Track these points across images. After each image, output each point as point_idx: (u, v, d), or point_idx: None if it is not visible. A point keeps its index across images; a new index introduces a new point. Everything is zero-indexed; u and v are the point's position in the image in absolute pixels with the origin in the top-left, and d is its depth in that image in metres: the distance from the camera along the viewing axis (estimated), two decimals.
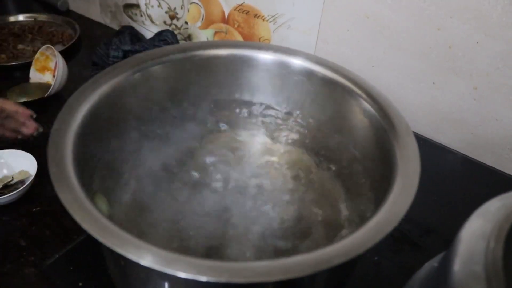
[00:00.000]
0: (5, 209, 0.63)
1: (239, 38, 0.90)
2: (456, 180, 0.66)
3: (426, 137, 0.76)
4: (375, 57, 0.76)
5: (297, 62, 0.54)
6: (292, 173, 0.55)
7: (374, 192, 0.44)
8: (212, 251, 0.47)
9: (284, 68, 0.54)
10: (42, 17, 1.12)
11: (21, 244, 0.59)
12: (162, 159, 0.53)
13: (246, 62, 0.54)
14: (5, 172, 0.67)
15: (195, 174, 0.53)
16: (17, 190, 0.61)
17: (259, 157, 0.57)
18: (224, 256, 0.46)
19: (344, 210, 0.51)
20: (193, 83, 0.54)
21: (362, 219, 0.45)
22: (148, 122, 0.52)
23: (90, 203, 0.33)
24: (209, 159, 0.55)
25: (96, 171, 0.44)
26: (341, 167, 0.53)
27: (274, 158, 0.57)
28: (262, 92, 0.57)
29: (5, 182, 0.65)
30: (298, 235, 0.49)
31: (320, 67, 0.52)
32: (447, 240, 0.31)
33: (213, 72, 0.55)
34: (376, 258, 0.53)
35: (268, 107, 0.58)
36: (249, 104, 0.58)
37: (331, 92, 0.52)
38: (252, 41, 0.56)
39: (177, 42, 0.94)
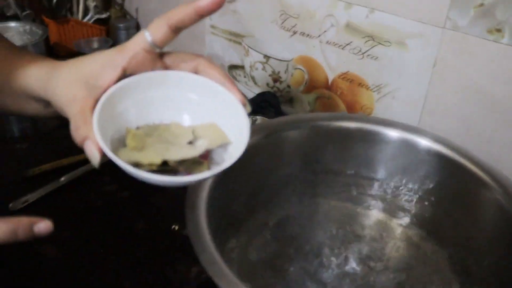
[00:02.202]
0: None
1: (342, 105, 0.92)
2: None
3: None
4: (485, 133, 0.74)
5: (424, 142, 0.54)
6: (407, 254, 0.54)
7: None
8: None
9: (410, 147, 0.55)
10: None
11: None
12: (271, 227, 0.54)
13: (372, 137, 0.55)
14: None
15: (306, 248, 0.53)
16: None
17: (373, 233, 0.56)
18: None
19: None
20: (312, 153, 0.56)
21: None
22: (266, 187, 0.54)
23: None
24: (317, 234, 0.55)
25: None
26: (463, 259, 0.51)
27: (389, 237, 0.56)
28: (382, 168, 0.57)
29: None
30: None
31: (449, 151, 0.52)
32: None
33: (337, 144, 0.56)
34: None
35: (389, 184, 0.58)
36: (369, 179, 0.59)
37: (459, 178, 0.52)
38: (380, 117, 0.57)
39: (279, 104, 0.98)
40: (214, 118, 0.44)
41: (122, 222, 0.72)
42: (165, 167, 0.39)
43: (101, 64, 0.42)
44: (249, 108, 0.43)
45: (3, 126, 0.92)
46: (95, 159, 0.38)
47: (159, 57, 0.44)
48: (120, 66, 0.42)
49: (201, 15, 0.41)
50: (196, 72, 0.44)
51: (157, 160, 0.39)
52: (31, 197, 0.74)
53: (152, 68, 0.43)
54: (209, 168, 0.41)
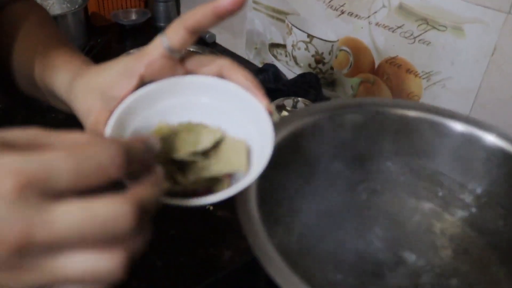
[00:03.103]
0: None
1: (387, 91, 0.88)
2: None
3: None
4: None
5: (489, 138, 0.51)
6: (458, 253, 0.51)
7: None
8: None
9: (473, 141, 0.52)
10: (190, 47, 1.19)
11: None
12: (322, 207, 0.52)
13: (433, 128, 0.52)
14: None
15: (351, 238, 0.51)
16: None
17: (421, 228, 0.54)
18: None
19: None
20: (368, 139, 0.53)
21: None
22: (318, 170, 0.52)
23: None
24: (368, 223, 0.52)
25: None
26: None
27: (439, 233, 0.53)
28: (441, 161, 0.54)
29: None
30: None
31: None
32: None
33: (394, 132, 0.53)
34: None
35: (446, 177, 0.55)
36: (424, 170, 0.56)
37: None
38: (444, 108, 0.54)
39: (320, 86, 0.95)
40: (237, 126, 0.40)
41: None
42: (175, 187, 0.37)
43: (117, 73, 0.40)
44: (275, 116, 0.39)
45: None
46: None
47: (179, 61, 0.41)
48: (137, 75, 0.39)
49: (220, 17, 0.37)
50: (219, 76, 0.41)
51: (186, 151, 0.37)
52: None
53: (172, 74, 0.40)
54: (228, 184, 0.38)
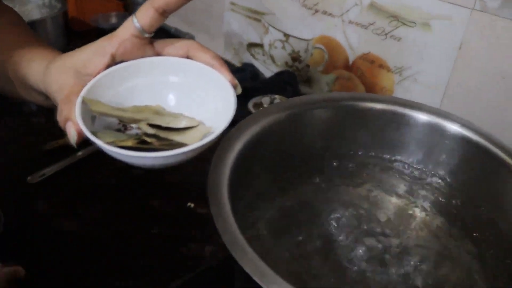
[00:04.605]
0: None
1: (361, 86, 0.90)
2: None
3: None
4: (508, 119, 0.72)
5: (453, 127, 0.53)
6: (427, 239, 0.53)
7: None
8: None
9: (436, 131, 0.54)
10: None
11: None
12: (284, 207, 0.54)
13: (397, 120, 0.54)
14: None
15: (322, 227, 0.53)
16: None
17: (392, 217, 0.56)
18: None
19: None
20: (336, 133, 0.55)
21: None
22: (282, 167, 0.54)
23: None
24: (337, 214, 0.54)
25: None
26: (485, 248, 0.50)
27: (408, 221, 0.56)
28: (407, 151, 0.56)
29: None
30: None
31: (478, 137, 0.51)
32: None
33: (361, 125, 0.55)
34: None
35: (412, 167, 0.57)
36: (390, 161, 0.58)
37: (486, 163, 0.51)
38: (408, 100, 0.56)
39: (297, 83, 0.97)
40: (202, 101, 0.44)
41: (137, 199, 0.73)
42: (144, 145, 0.40)
43: (91, 52, 0.43)
44: (239, 90, 0.43)
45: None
46: (73, 139, 0.40)
47: (149, 43, 0.44)
48: (108, 53, 0.42)
49: None
50: (187, 57, 0.44)
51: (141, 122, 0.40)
52: (49, 171, 0.75)
53: (142, 55, 0.44)
54: None
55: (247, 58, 1.12)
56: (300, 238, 0.50)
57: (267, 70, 1.07)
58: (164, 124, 0.41)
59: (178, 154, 0.37)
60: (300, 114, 0.52)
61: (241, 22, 1.10)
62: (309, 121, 0.53)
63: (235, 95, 0.42)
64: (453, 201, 0.54)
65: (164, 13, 0.41)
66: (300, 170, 0.54)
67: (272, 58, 1.04)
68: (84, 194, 0.73)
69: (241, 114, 0.49)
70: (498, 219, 0.49)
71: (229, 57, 1.18)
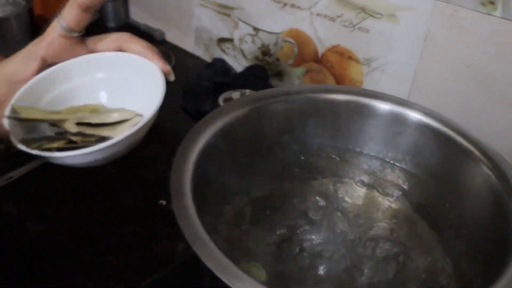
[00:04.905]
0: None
1: (331, 78, 0.91)
2: None
3: None
4: (474, 108, 0.73)
5: (414, 115, 0.54)
6: (393, 228, 0.54)
7: (483, 269, 0.43)
8: None
9: (399, 120, 0.55)
10: None
11: None
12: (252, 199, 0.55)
13: (360, 110, 0.55)
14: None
15: (288, 219, 0.54)
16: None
17: (358, 208, 0.56)
18: None
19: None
20: (300, 126, 0.56)
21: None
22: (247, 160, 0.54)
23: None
24: (303, 205, 0.55)
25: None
26: (448, 232, 0.51)
27: (374, 211, 0.56)
28: (371, 142, 0.57)
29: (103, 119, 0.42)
30: None
31: (439, 124, 0.52)
32: None
33: (324, 116, 0.56)
34: None
35: (376, 158, 0.58)
36: (354, 152, 0.58)
37: (448, 151, 0.52)
38: (369, 90, 0.57)
39: (267, 77, 0.97)
40: (134, 92, 0.44)
41: (109, 198, 0.72)
42: (74, 145, 0.40)
43: (20, 59, 0.42)
44: (172, 77, 0.43)
45: None
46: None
47: (81, 42, 0.43)
48: (38, 56, 0.41)
49: None
50: (120, 50, 0.44)
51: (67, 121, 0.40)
52: (16, 173, 0.73)
53: (75, 54, 0.43)
54: None
55: (218, 53, 1.11)
56: (266, 231, 0.50)
57: (238, 65, 1.07)
58: (95, 121, 0.41)
59: (103, 149, 0.37)
60: (263, 107, 0.52)
61: (211, 17, 1.09)
62: (272, 114, 0.53)
63: (164, 81, 0.42)
64: (417, 189, 0.55)
65: (89, 9, 0.41)
66: (265, 163, 0.55)
67: (242, 52, 1.04)
68: (53, 195, 0.72)
69: (212, 109, 0.49)
70: (460, 206, 0.50)
71: (199, 52, 1.17)
